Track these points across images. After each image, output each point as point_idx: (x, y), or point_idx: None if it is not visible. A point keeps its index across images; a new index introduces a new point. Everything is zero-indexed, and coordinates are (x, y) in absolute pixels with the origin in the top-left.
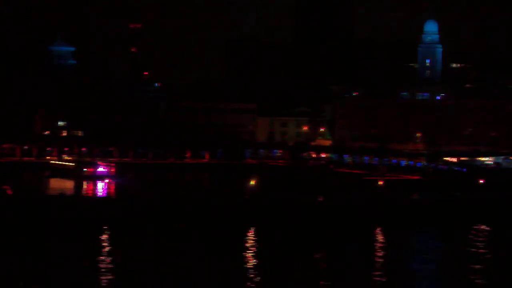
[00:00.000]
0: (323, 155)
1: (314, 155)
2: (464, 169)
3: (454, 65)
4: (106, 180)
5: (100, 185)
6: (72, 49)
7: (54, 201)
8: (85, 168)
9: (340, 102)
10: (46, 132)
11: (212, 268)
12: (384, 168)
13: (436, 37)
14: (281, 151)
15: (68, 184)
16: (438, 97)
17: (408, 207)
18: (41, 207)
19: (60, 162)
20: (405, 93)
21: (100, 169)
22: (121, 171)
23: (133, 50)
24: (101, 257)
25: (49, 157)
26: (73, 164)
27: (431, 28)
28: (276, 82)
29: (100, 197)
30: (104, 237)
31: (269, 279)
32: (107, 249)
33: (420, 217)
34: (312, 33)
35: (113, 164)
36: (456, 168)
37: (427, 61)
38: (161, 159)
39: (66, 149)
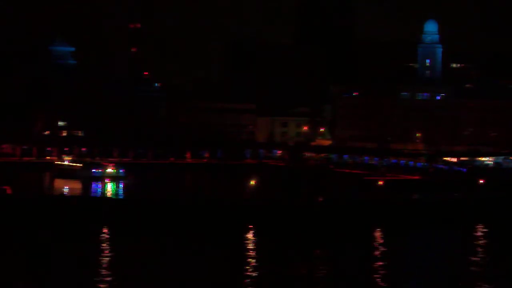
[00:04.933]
0: (323, 155)
1: (313, 155)
2: (464, 169)
3: (454, 65)
4: (112, 181)
5: (109, 186)
6: (72, 49)
7: (55, 202)
8: (93, 169)
9: (340, 102)
10: (46, 132)
11: (211, 268)
12: (384, 168)
13: (436, 37)
14: (281, 151)
15: (74, 185)
16: (438, 97)
17: (408, 207)
18: (42, 207)
19: (65, 163)
20: (405, 93)
21: (109, 170)
22: (128, 172)
23: (133, 50)
24: (101, 258)
25: (49, 157)
26: (81, 164)
27: (431, 28)
28: (276, 82)
29: (102, 198)
30: (105, 237)
31: (269, 279)
32: (107, 249)
33: (420, 217)
34: (312, 33)
35: (113, 164)
36: (456, 168)
37: (427, 61)
38: (161, 159)
39: (66, 149)
